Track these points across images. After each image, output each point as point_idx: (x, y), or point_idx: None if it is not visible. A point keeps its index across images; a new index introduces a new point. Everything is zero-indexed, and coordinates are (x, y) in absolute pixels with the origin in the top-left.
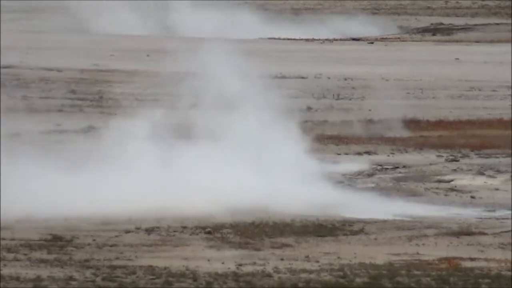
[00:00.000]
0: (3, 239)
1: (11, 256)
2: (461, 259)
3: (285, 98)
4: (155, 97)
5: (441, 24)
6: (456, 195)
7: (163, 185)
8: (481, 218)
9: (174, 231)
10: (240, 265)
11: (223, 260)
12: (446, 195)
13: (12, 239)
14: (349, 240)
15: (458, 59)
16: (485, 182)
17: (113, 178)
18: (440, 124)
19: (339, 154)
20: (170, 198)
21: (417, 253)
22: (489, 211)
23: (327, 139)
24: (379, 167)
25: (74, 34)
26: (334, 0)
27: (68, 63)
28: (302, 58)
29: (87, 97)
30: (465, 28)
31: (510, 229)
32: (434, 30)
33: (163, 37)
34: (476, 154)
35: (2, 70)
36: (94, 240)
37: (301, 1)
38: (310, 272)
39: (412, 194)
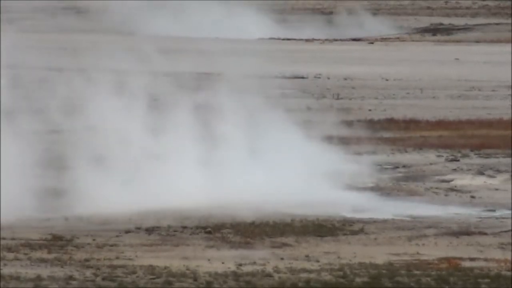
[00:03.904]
0: (3, 238)
1: (11, 255)
2: (461, 259)
3: (285, 98)
4: (155, 97)
5: (441, 24)
6: (456, 195)
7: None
8: (481, 218)
9: (174, 231)
10: (240, 265)
11: (223, 260)
12: (446, 195)
13: (12, 239)
14: (349, 240)
15: (458, 59)
16: (485, 182)
17: (123, 176)
18: (440, 124)
19: (339, 154)
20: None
21: (417, 253)
22: (489, 211)
23: (327, 139)
24: (379, 167)
25: (74, 34)
26: (334, 0)
27: (68, 63)
28: (302, 58)
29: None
30: (465, 28)
31: (510, 229)
32: (434, 30)
33: (163, 37)
34: (476, 154)
35: (2, 70)
36: (94, 240)
37: (301, 1)
38: (310, 271)
39: (412, 194)
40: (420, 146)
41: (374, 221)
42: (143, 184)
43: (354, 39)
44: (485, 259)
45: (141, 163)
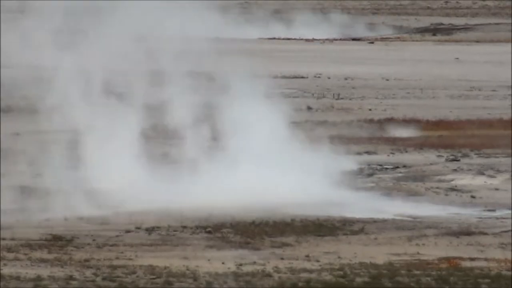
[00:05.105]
0: (3, 239)
1: (11, 255)
2: (461, 259)
3: (285, 98)
4: (154, 97)
5: (441, 24)
6: (456, 195)
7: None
8: (481, 218)
9: (174, 231)
10: (240, 265)
11: (223, 260)
12: (446, 195)
13: (12, 239)
14: (349, 239)
15: (458, 59)
16: (485, 182)
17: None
18: (440, 124)
19: (339, 154)
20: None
21: (417, 253)
22: (489, 210)
23: (327, 139)
24: (379, 167)
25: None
26: (334, 0)
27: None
28: (302, 58)
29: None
30: (465, 28)
31: (510, 228)
32: (434, 30)
33: (162, 37)
34: (476, 154)
35: (2, 70)
36: (94, 240)
37: (301, 1)
38: (311, 271)
39: (412, 194)
40: (420, 146)
41: (374, 221)
42: (143, 184)
43: (354, 39)
44: (485, 259)
45: (138, 163)
